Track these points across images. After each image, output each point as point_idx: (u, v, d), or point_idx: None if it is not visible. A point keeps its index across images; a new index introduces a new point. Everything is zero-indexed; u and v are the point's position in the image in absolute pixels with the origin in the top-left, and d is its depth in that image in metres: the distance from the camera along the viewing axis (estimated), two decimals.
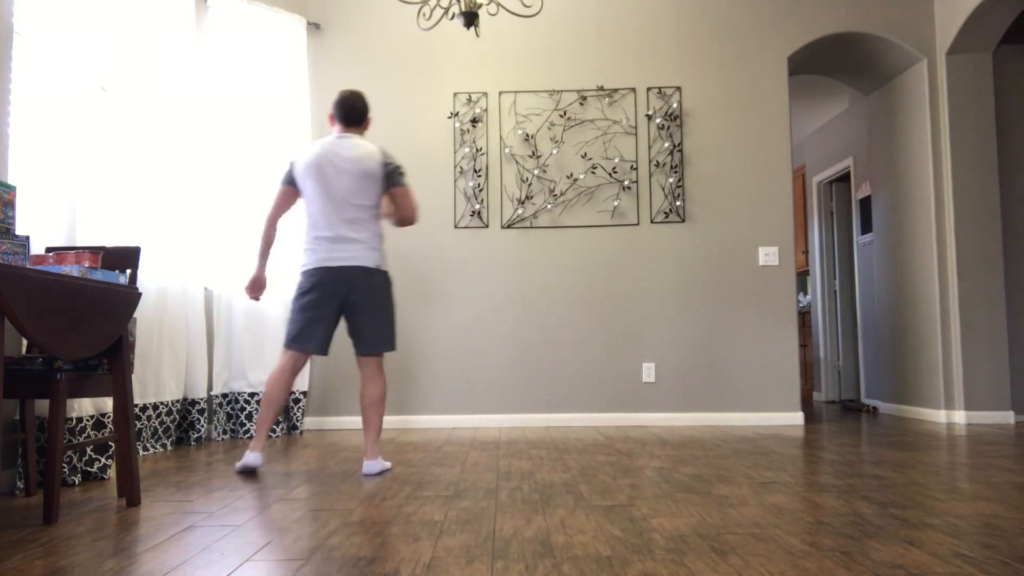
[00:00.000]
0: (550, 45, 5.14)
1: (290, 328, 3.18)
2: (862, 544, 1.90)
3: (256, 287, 3.34)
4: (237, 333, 4.56)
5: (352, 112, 3.28)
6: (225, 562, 1.83)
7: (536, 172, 5.03)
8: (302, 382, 4.76)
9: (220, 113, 4.54)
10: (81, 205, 3.37)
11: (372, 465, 3.13)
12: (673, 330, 4.96)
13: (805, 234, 7.72)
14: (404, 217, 3.29)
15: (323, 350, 3.18)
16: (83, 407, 3.07)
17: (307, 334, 3.14)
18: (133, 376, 3.55)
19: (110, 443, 3.11)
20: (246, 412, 4.53)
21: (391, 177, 3.23)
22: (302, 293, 3.16)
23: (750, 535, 2.01)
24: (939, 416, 5.01)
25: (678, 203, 5.00)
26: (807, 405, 6.55)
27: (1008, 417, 4.87)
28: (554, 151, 5.04)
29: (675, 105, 5.06)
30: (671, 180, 5.02)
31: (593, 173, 5.03)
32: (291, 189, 3.27)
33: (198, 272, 4.29)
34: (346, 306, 3.16)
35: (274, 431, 4.58)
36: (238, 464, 3.14)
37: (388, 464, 3.24)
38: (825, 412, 5.87)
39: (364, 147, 3.21)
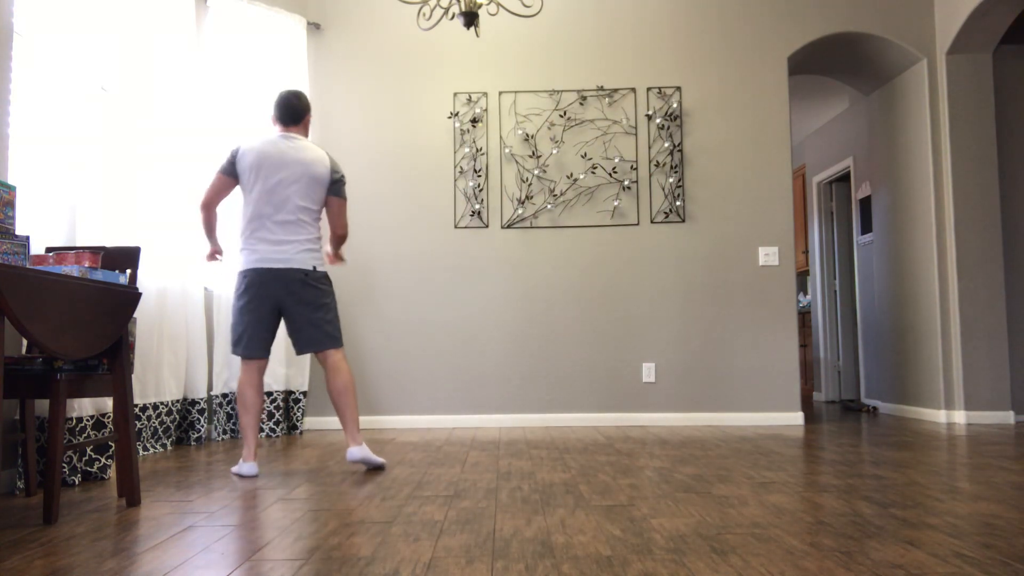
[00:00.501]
0: (550, 45, 5.14)
1: (233, 332, 3.20)
2: (862, 544, 1.90)
3: (214, 255, 3.38)
4: None
5: (289, 111, 3.28)
6: (225, 562, 1.83)
7: (536, 172, 5.03)
8: (302, 382, 4.76)
9: (220, 113, 4.54)
10: (81, 205, 3.37)
11: (355, 451, 3.14)
12: (673, 330, 4.96)
13: (805, 234, 7.72)
14: (335, 230, 3.34)
15: (261, 353, 3.19)
16: (83, 407, 3.07)
17: (243, 338, 3.16)
18: (133, 376, 3.55)
19: (110, 443, 3.11)
20: None
21: (336, 186, 3.28)
22: (239, 295, 3.16)
23: (750, 535, 2.01)
24: (939, 416, 5.01)
25: (678, 203, 5.00)
26: (807, 405, 6.55)
27: (1008, 417, 4.87)
28: (554, 151, 5.04)
29: (675, 105, 5.06)
30: (671, 180, 5.02)
31: (593, 173, 5.03)
32: (230, 180, 3.25)
33: (198, 272, 4.29)
34: (283, 308, 3.17)
35: (274, 431, 4.58)
36: (234, 469, 3.13)
37: (380, 459, 3.23)
38: (825, 412, 5.87)
39: (313, 151, 3.24)
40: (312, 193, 3.21)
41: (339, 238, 3.38)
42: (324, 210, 3.39)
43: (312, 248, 3.20)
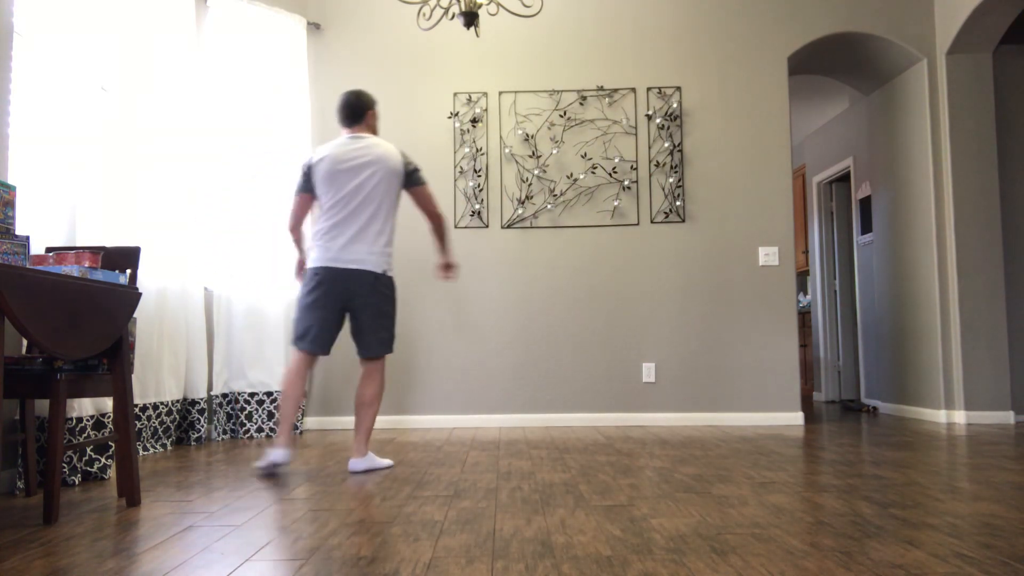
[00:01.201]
0: (550, 45, 5.14)
1: (295, 326, 3.19)
2: (862, 544, 1.90)
3: (302, 267, 3.39)
4: (237, 333, 4.56)
5: (349, 111, 3.26)
6: (225, 562, 1.83)
7: (536, 172, 5.03)
8: None
9: (220, 113, 4.54)
10: (81, 205, 3.37)
11: (358, 463, 3.13)
12: (673, 330, 4.96)
13: (805, 234, 7.72)
14: (432, 216, 3.32)
15: (325, 350, 3.18)
16: (83, 407, 3.07)
17: (310, 333, 3.14)
18: (133, 376, 3.55)
19: (110, 443, 3.11)
20: (246, 412, 4.53)
21: (412, 176, 3.25)
22: (308, 291, 3.15)
23: (750, 535, 2.01)
24: (939, 416, 5.01)
25: (678, 203, 5.00)
26: (807, 405, 6.55)
27: (1008, 417, 4.87)
28: (554, 151, 5.04)
29: (675, 105, 5.06)
30: (671, 180, 5.02)
31: (593, 173, 5.03)
32: (307, 196, 3.27)
33: (198, 272, 4.30)
34: (349, 308, 3.16)
35: (274, 431, 4.57)
36: (261, 462, 3.05)
37: (385, 462, 3.22)
38: (825, 412, 5.87)
39: (382, 147, 3.20)
40: (387, 190, 3.17)
41: (438, 225, 3.34)
42: (414, 202, 3.36)
43: (384, 252, 3.17)
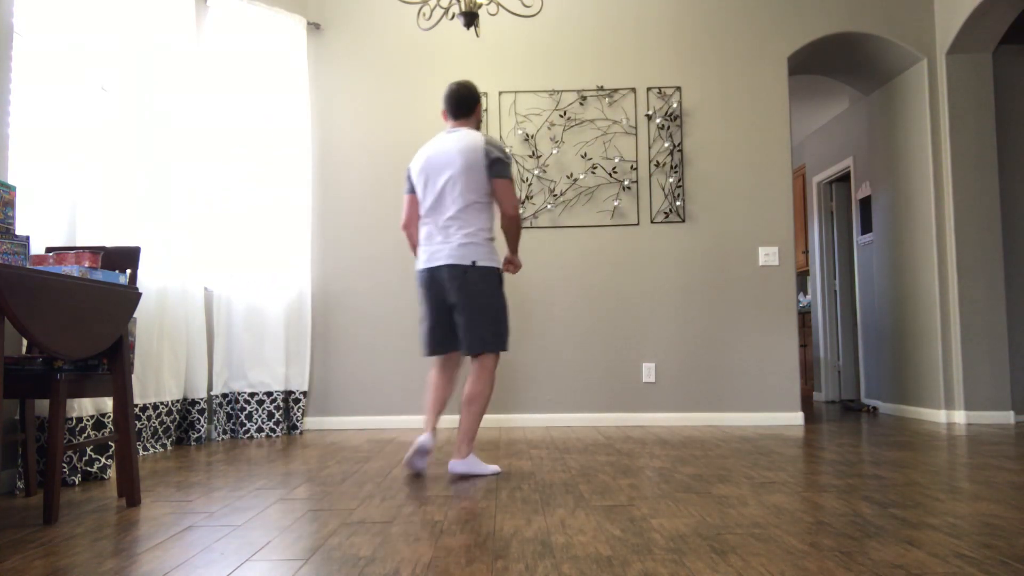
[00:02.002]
0: (550, 45, 5.13)
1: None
2: (862, 544, 1.90)
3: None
4: (237, 333, 4.56)
5: (455, 102, 3.17)
6: (225, 562, 1.83)
7: (536, 172, 5.03)
8: (302, 382, 4.76)
9: (220, 113, 4.54)
10: (81, 205, 3.37)
11: (457, 464, 3.02)
12: (673, 330, 4.96)
13: (805, 234, 7.72)
14: (504, 213, 3.14)
15: (441, 349, 3.15)
16: (83, 407, 3.07)
17: (423, 336, 3.16)
18: (133, 376, 3.55)
19: (110, 443, 3.11)
20: (246, 412, 4.53)
21: (493, 167, 3.08)
22: (419, 295, 3.18)
23: (750, 535, 2.01)
24: (939, 416, 5.01)
25: (678, 203, 5.00)
26: (807, 405, 6.55)
27: (1008, 417, 4.87)
28: (554, 151, 5.04)
29: (675, 105, 5.06)
30: (671, 180, 5.02)
31: (593, 173, 5.03)
32: (410, 196, 3.24)
33: (198, 272, 4.30)
34: (451, 305, 3.10)
35: (274, 431, 4.58)
36: (409, 454, 3.00)
37: (491, 468, 3.05)
38: (825, 412, 5.87)
39: (468, 138, 3.09)
40: (472, 183, 3.04)
41: (504, 224, 3.15)
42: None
43: (472, 243, 3.03)
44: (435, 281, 3.08)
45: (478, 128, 3.23)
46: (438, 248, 3.06)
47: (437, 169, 3.10)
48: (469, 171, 3.05)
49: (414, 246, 3.29)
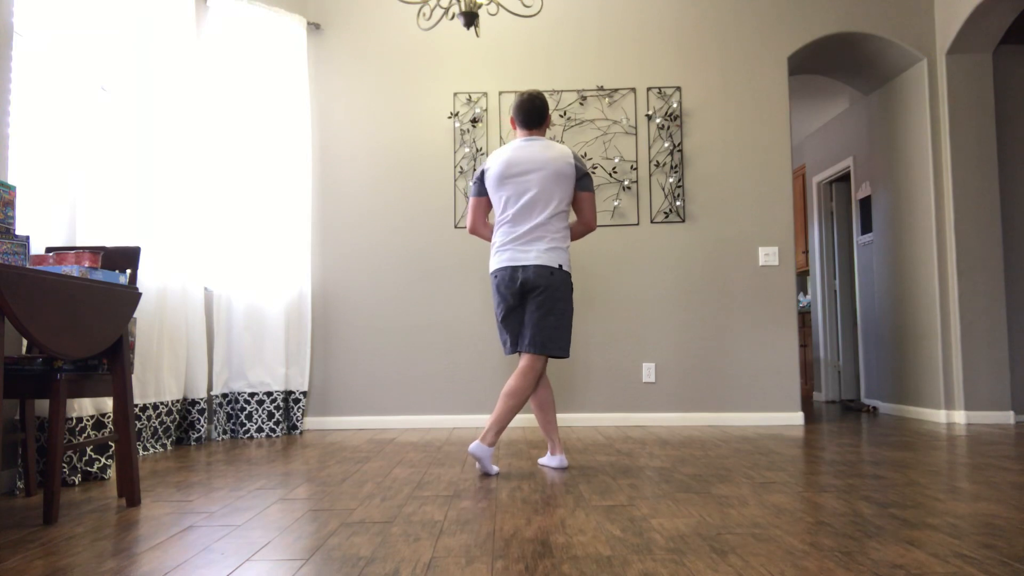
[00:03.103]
0: (550, 45, 5.14)
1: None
2: (862, 544, 1.90)
3: None
4: (237, 333, 4.56)
5: (532, 114, 3.28)
6: (225, 562, 1.83)
7: None
8: (302, 382, 4.76)
9: (220, 113, 4.54)
10: (81, 205, 3.37)
11: (477, 446, 3.04)
12: (673, 330, 4.96)
13: (805, 234, 7.72)
14: (586, 223, 3.31)
15: (518, 348, 3.22)
16: (83, 407, 3.07)
17: (503, 338, 3.25)
18: (133, 376, 3.55)
19: (110, 443, 3.11)
20: (246, 412, 4.53)
21: (583, 181, 3.25)
22: (500, 297, 3.22)
23: (750, 535, 2.01)
24: (939, 416, 5.01)
25: (678, 203, 5.00)
26: (807, 405, 6.55)
27: (1008, 417, 4.87)
28: None
29: (675, 105, 5.06)
30: (671, 180, 5.02)
31: (593, 173, 5.03)
32: (480, 200, 3.31)
33: (198, 272, 4.30)
34: (525, 303, 3.20)
35: (274, 431, 4.57)
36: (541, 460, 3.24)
37: (493, 468, 3.09)
38: (825, 412, 5.87)
39: (555, 148, 3.23)
40: (559, 192, 3.19)
41: (584, 231, 3.34)
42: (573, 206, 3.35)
43: (555, 247, 3.17)
44: (511, 280, 3.17)
45: (543, 135, 3.34)
46: (524, 249, 3.16)
47: (520, 176, 3.19)
48: (560, 180, 3.19)
49: (488, 238, 3.34)
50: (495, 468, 3.10)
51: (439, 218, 5.04)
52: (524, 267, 3.14)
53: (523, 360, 3.17)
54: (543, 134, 3.32)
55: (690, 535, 2.02)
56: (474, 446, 3.05)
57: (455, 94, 5.08)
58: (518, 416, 4.92)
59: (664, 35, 5.12)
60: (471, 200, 3.34)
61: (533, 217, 3.17)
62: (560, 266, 3.16)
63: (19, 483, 2.81)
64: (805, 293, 8.47)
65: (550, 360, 4.93)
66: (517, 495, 2.61)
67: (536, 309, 3.14)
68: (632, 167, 5.03)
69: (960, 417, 4.90)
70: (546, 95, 5.07)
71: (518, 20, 5.14)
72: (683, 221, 5.01)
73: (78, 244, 3.33)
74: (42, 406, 2.92)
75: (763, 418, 4.89)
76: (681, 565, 1.74)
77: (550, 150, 3.22)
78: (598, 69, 5.11)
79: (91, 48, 3.47)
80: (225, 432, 4.52)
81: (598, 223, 5.00)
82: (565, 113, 5.06)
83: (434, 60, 5.12)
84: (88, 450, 3.04)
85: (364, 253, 5.03)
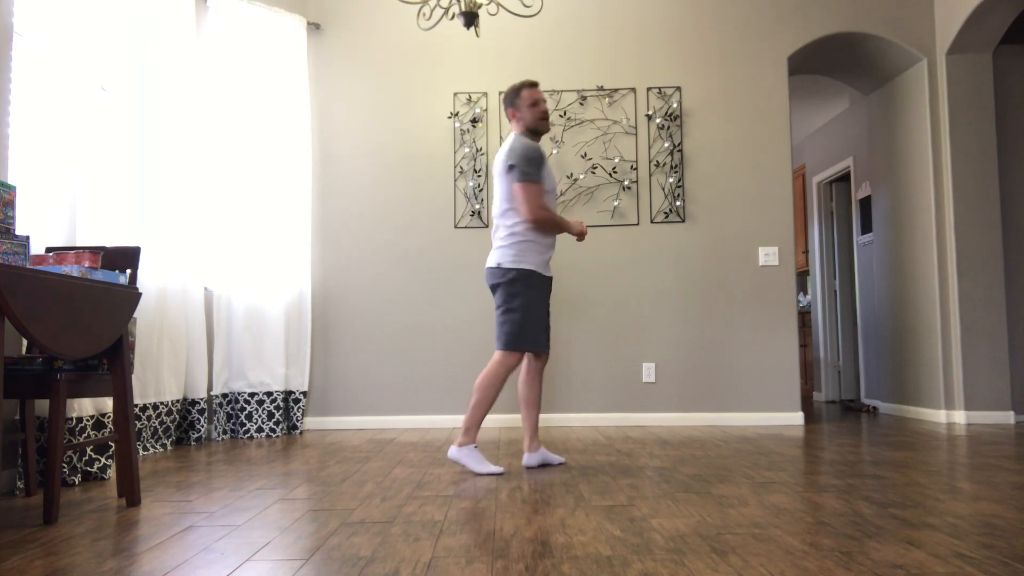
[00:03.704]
0: (550, 45, 5.13)
1: None
2: (862, 544, 1.90)
3: (581, 233, 3.28)
4: (237, 333, 4.56)
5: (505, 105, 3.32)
6: (225, 562, 1.83)
7: None
8: (302, 382, 4.76)
9: (220, 113, 4.54)
10: (81, 205, 3.37)
11: (454, 449, 3.09)
12: (673, 330, 4.96)
13: (805, 234, 7.72)
14: (523, 217, 3.12)
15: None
16: (83, 407, 3.07)
17: (543, 336, 3.27)
18: (133, 376, 3.55)
19: (110, 443, 3.11)
20: (246, 412, 4.53)
21: (510, 173, 3.13)
22: (538, 298, 3.24)
23: (750, 535, 2.01)
24: (939, 416, 5.01)
25: (678, 203, 5.00)
26: (807, 405, 6.55)
27: (1008, 417, 4.87)
28: (554, 151, 5.04)
29: (675, 105, 5.06)
30: (671, 180, 5.02)
31: (593, 173, 5.03)
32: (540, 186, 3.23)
33: (198, 272, 4.30)
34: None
35: (274, 431, 4.57)
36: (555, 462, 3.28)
37: (495, 469, 3.05)
38: (825, 412, 5.87)
39: (507, 141, 3.23)
40: (501, 187, 3.18)
41: (534, 226, 3.12)
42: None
43: (505, 244, 3.16)
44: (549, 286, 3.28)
45: (526, 129, 3.25)
46: (550, 254, 3.27)
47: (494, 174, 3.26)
48: (501, 176, 3.20)
49: (557, 222, 3.20)
50: (497, 468, 3.06)
51: (439, 218, 5.04)
52: (486, 269, 3.24)
53: (538, 362, 3.27)
54: (517, 125, 3.26)
55: (690, 535, 2.02)
56: (450, 452, 3.11)
57: (455, 94, 5.08)
58: (518, 416, 4.92)
59: (664, 35, 5.12)
60: (534, 187, 3.18)
61: (494, 217, 3.25)
62: (499, 264, 3.16)
63: (19, 483, 2.81)
64: (805, 293, 8.47)
65: (550, 360, 4.93)
66: (517, 495, 2.61)
67: (496, 308, 3.22)
68: (632, 167, 5.03)
69: (960, 417, 4.90)
70: (546, 95, 5.07)
71: (518, 20, 5.14)
72: (683, 221, 5.01)
73: (78, 244, 3.33)
74: (42, 406, 2.92)
75: (763, 418, 4.89)
76: (681, 565, 1.74)
77: (504, 144, 3.23)
78: (598, 69, 5.11)
79: (91, 48, 3.47)
80: (225, 432, 4.52)
81: (600, 223, 5.00)
82: (565, 113, 5.06)
83: (434, 60, 5.12)
84: (88, 450, 3.04)
85: (364, 253, 5.03)
